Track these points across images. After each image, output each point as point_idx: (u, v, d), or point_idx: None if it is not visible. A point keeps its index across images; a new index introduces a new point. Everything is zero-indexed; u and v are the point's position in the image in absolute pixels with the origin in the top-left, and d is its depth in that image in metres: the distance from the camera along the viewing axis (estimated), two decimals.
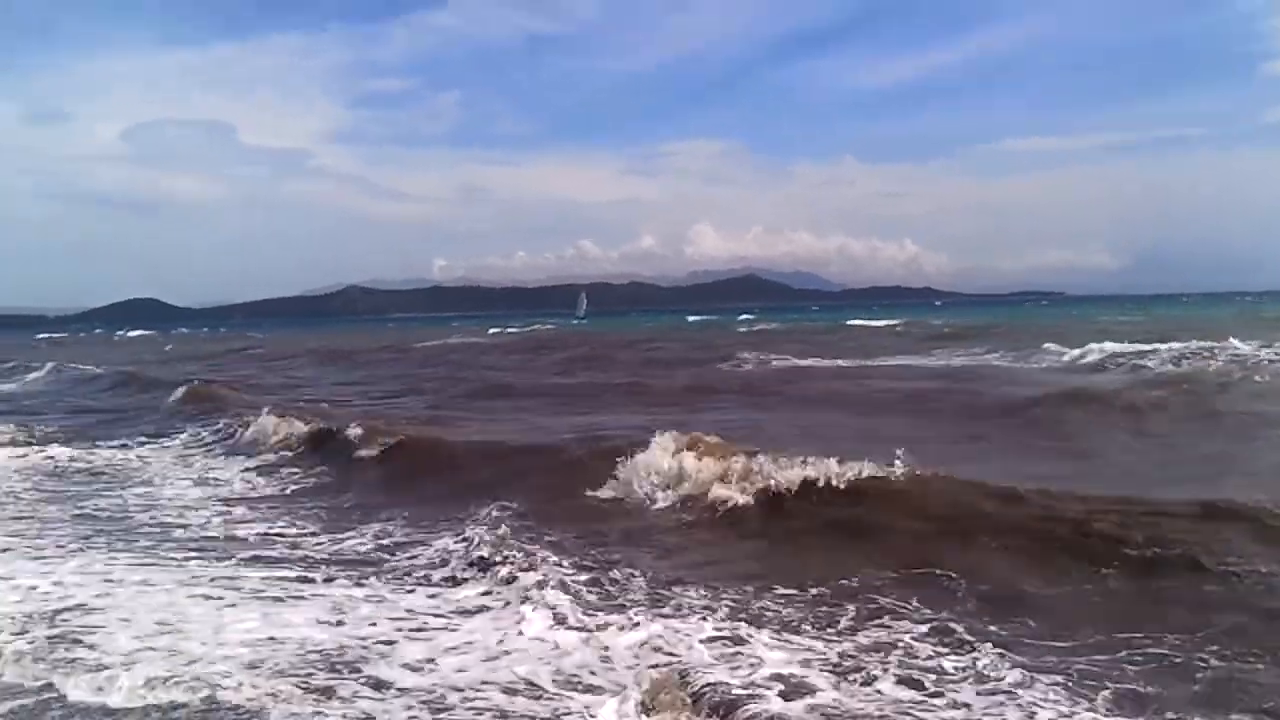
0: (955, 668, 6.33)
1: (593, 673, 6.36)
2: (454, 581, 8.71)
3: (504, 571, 8.57)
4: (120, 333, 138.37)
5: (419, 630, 7.39)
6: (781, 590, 8.15)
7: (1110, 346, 34.16)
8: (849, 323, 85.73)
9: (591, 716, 5.66)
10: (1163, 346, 33.76)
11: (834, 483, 10.63)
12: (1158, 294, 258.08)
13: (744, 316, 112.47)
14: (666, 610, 7.58)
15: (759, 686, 5.93)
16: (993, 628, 7.06)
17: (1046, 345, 38.32)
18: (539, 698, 6.03)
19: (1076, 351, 33.73)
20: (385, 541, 10.55)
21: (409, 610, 7.89)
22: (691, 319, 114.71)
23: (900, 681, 6.10)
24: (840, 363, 36.73)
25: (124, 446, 18.54)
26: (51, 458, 17.00)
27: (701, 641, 6.76)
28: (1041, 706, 5.68)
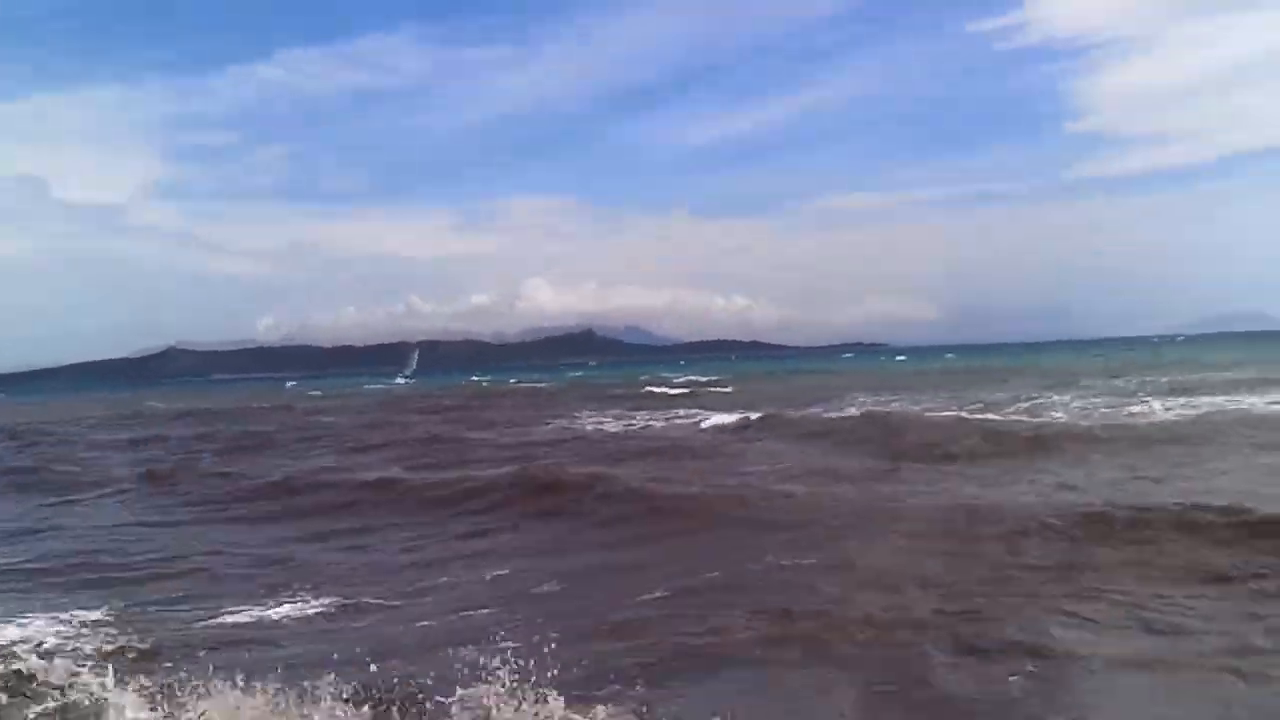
0: None
1: None
2: None
3: None
4: None
5: None
6: None
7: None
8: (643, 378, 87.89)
9: None
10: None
11: None
12: (975, 344, 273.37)
13: (513, 380, 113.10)
14: None
15: None
16: None
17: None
18: None
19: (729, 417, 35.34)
20: None
21: None
22: (474, 377, 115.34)
23: None
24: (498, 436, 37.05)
25: None
26: None
27: None
28: None
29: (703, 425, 34.93)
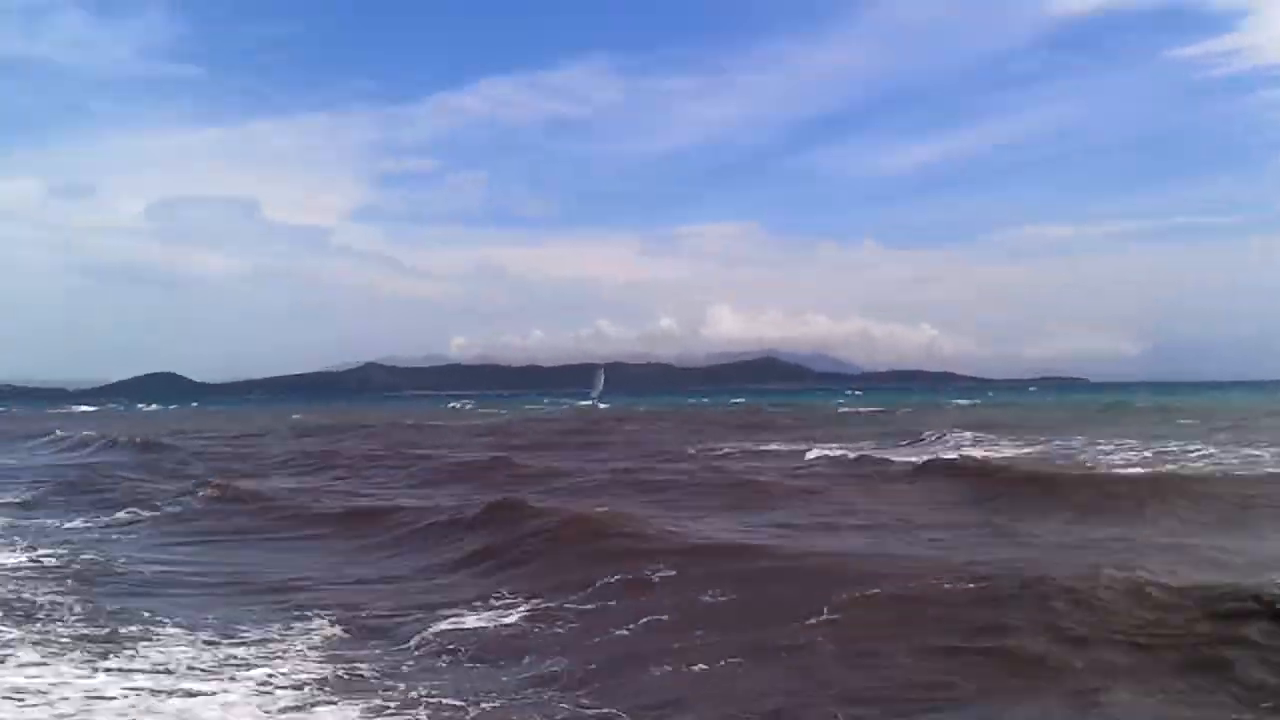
0: None
1: None
2: None
3: None
4: (141, 406, 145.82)
5: None
6: None
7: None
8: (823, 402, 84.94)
9: None
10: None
11: None
12: (1180, 381, 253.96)
13: (695, 400, 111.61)
14: None
15: None
16: None
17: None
18: None
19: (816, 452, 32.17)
20: None
21: None
22: (641, 407, 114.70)
23: None
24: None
25: None
26: None
27: None
28: None
29: (807, 457, 31.67)
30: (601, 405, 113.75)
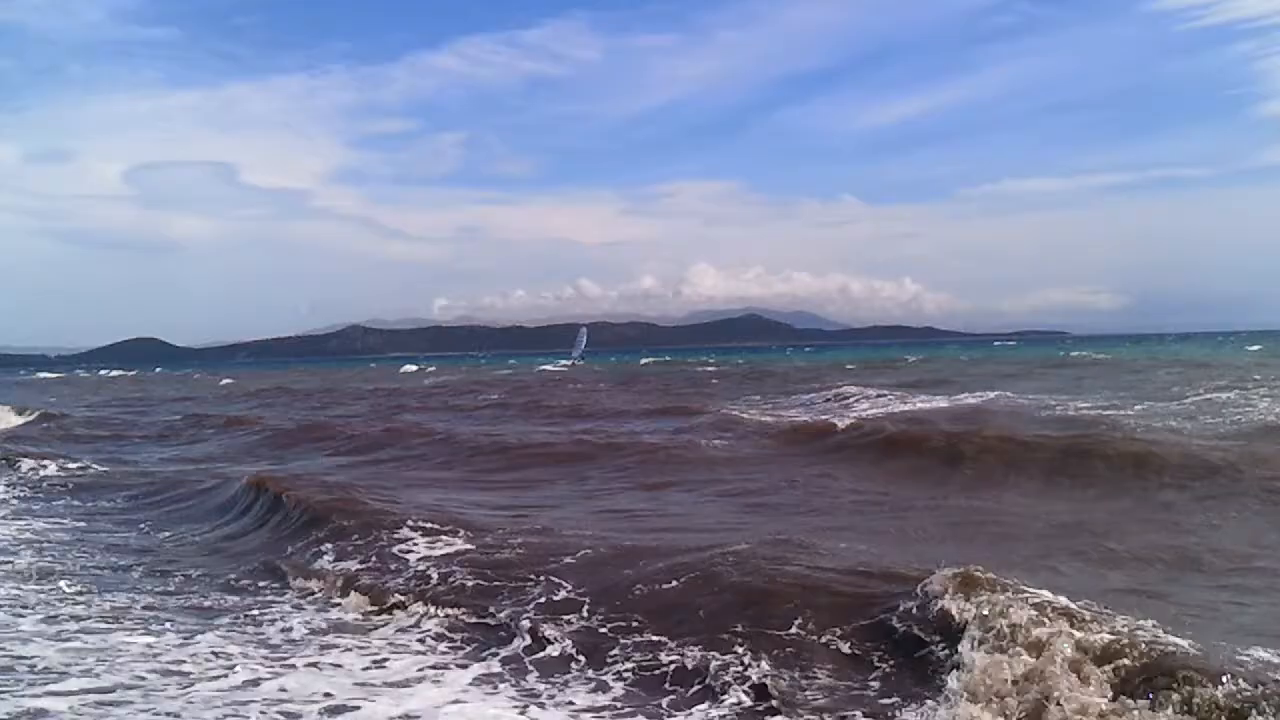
0: None
1: None
2: None
3: None
4: (104, 372, 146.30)
5: None
6: None
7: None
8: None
9: None
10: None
11: None
12: (1160, 333, 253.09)
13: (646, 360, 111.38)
14: None
15: None
16: None
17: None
18: None
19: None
20: None
21: None
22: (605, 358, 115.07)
23: None
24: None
25: None
26: None
27: None
28: None
29: (697, 420, 30.78)
30: (558, 366, 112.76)
